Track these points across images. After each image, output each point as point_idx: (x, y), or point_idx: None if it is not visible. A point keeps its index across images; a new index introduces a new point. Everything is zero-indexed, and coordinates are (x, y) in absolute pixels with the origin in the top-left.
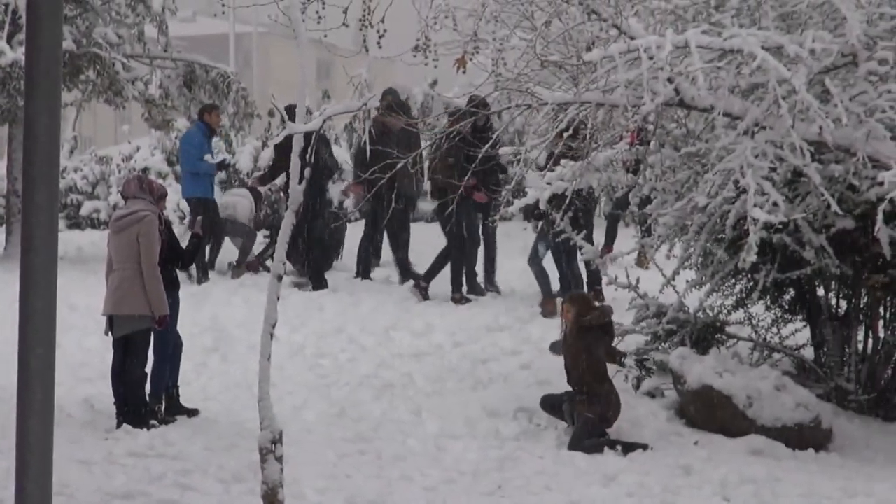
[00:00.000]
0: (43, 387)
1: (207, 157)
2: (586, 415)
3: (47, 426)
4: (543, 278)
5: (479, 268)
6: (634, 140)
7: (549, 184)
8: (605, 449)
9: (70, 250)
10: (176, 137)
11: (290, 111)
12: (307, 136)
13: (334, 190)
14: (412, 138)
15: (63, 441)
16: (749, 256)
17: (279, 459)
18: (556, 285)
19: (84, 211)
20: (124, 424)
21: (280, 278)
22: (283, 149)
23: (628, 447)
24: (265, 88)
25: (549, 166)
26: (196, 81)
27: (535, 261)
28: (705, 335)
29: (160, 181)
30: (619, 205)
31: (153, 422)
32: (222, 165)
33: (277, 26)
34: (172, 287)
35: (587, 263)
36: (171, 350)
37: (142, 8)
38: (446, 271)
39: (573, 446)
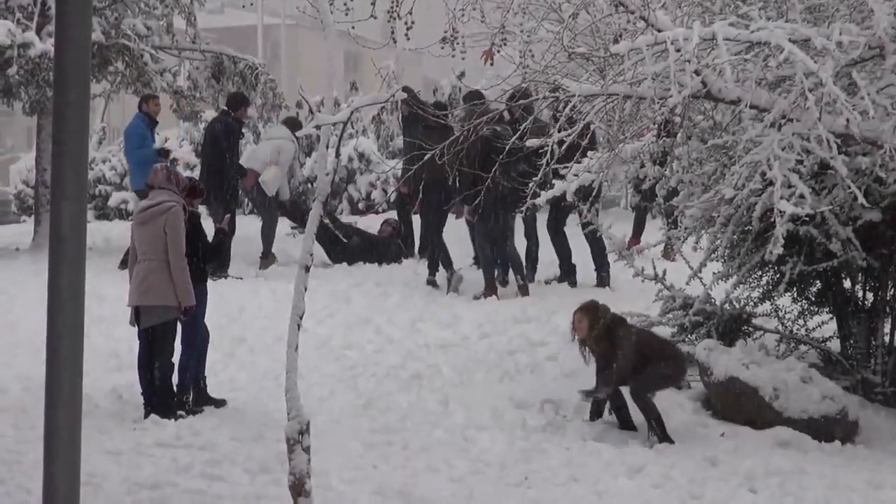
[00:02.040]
0: (71, 376)
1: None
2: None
3: (75, 416)
4: (489, 264)
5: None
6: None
7: (576, 175)
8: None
9: (98, 241)
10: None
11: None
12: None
13: (362, 181)
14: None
15: (91, 431)
16: (775, 248)
17: (306, 450)
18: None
19: (112, 202)
20: (152, 415)
21: (307, 269)
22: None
23: (663, 435)
24: (293, 80)
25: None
26: (224, 73)
27: (484, 247)
28: (732, 327)
29: (188, 172)
30: (645, 197)
31: (181, 412)
32: (163, 152)
33: (306, 18)
34: (200, 279)
35: (528, 251)
36: (197, 341)
37: None
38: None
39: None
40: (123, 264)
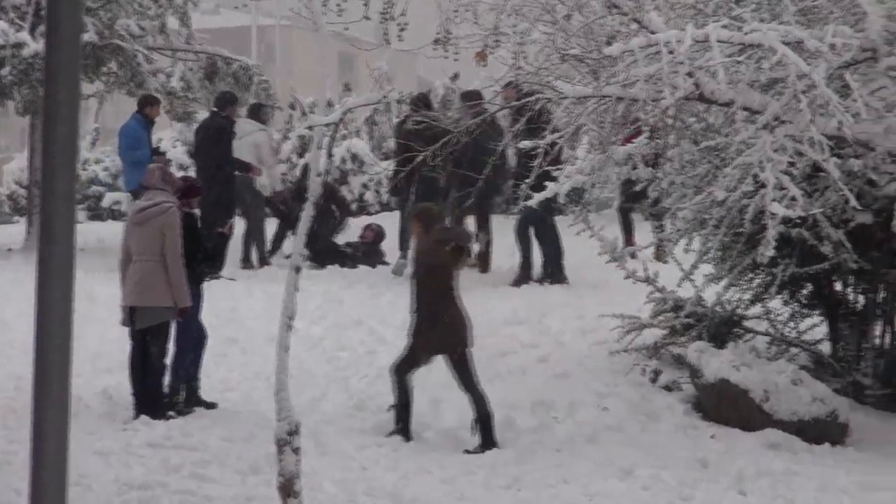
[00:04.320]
0: (59, 377)
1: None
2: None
3: (63, 416)
4: None
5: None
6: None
7: (568, 177)
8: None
9: (91, 241)
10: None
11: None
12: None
13: (354, 182)
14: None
15: (81, 432)
16: (767, 251)
17: (296, 451)
18: None
19: (105, 202)
20: (142, 415)
21: (298, 270)
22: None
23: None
24: (288, 81)
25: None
26: (218, 74)
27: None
28: (723, 329)
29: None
30: (629, 199)
31: (171, 413)
32: (157, 153)
33: (300, 19)
34: (196, 280)
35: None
36: (192, 342)
37: (164, 0)
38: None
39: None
40: None
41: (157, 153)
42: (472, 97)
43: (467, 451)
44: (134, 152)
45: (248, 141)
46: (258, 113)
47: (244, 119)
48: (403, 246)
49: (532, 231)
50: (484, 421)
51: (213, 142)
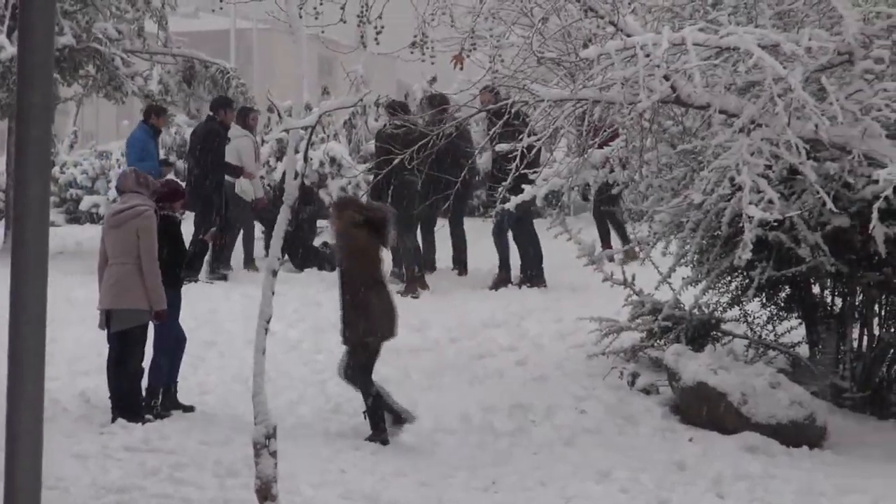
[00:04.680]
0: (34, 380)
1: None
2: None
3: (37, 418)
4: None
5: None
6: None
7: (545, 180)
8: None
9: (69, 245)
10: (175, 133)
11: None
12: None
13: (333, 185)
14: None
15: (58, 435)
16: (744, 254)
17: (273, 454)
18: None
19: (83, 206)
20: (119, 419)
21: (275, 273)
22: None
23: (397, 418)
24: (267, 84)
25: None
26: (195, 77)
27: (407, 241)
28: (700, 332)
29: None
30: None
31: (148, 416)
32: (166, 163)
33: (279, 22)
34: (174, 284)
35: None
36: (170, 345)
37: (141, 3)
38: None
39: (348, 377)
40: None
41: (165, 164)
42: (436, 102)
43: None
44: (142, 163)
45: (232, 146)
46: (245, 118)
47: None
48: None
49: (510, 234)
50: (372, 410)
51: (204, 145)
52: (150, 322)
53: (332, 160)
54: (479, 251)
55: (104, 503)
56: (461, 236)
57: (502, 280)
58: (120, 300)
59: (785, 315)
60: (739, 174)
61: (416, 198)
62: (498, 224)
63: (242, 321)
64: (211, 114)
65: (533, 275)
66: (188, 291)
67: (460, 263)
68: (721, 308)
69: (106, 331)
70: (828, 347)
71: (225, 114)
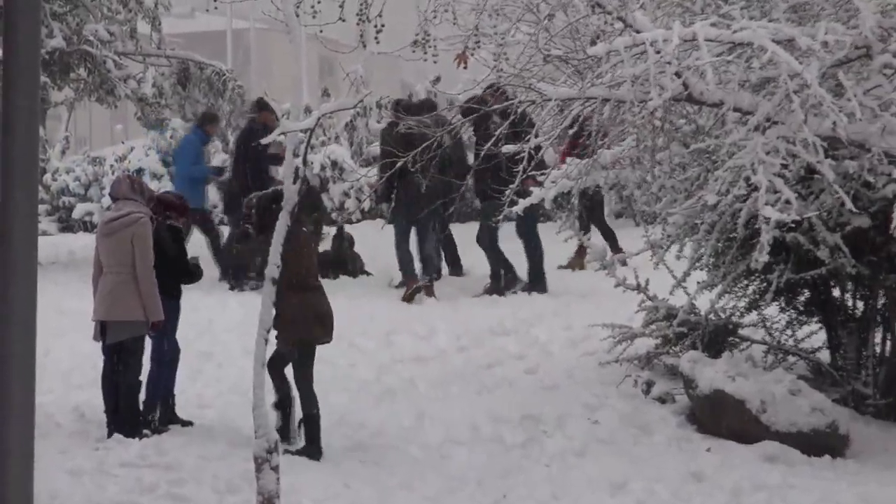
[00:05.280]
0: (23, 389)
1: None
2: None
3: (28, 430)
4: (407, 261)
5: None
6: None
7: (554, 182)
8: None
9: (62, 254)
10: (171, 137)
11: None
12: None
13: (335, 189)
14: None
15: (52, 451)
16: (761, 256)
17: (275, 469)
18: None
19: (76, 214)
20: (115, 434)
21: (275, 282)
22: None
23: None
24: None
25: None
26: (191, 79)
27: (401, 245)
28: (717, 338)
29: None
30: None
31: (146, 431)
32: (220, 171)
33: (277, 22)
34: (173, 294)
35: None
36: (168, 357)
37: (134, 4)
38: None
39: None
40: None
41: (216, 171)
42: (423, 108)
43: (288, 451)
44: (192, 168)
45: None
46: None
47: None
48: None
49: (497, 239)
50: (309, 421)
51: (244, 148)
52: (147, 334)
53: (334, 164)
54: (476, 256)
55: None
56: (450, 237)
57: (494, 289)
58: (115, 311)
59: (804, 319)
60: (755, 174)
61: (421, 200)
62: (491, 231)
63: (239, 330)
64: (252, 116)
65: (535, 280)
66: (184, 301)
67: (454, 264)
68: (738, 313)
69: (101, 343)
70: (849, 352)
71: (266, 115)
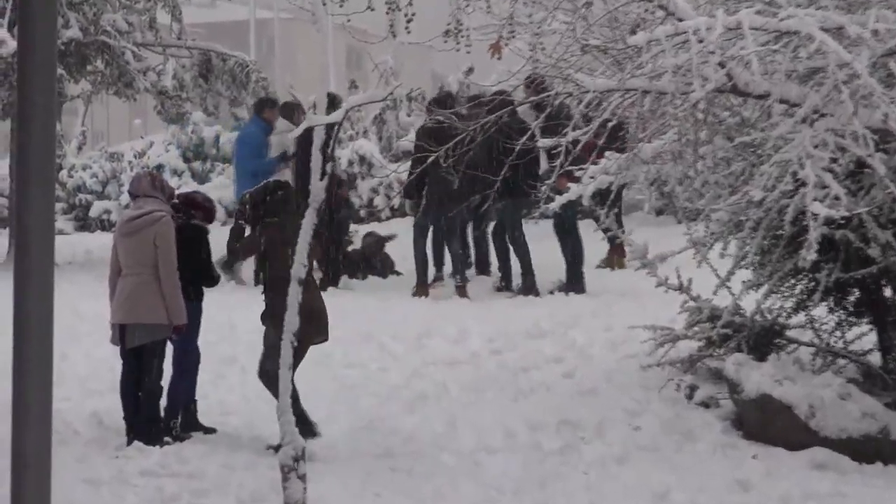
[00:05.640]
0: (40, 395)
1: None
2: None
3: (45, 438)
4: (422, 262)
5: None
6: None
7: (592, 178)
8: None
9: (78, 254)
10: (192, 131)
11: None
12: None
13: (363, 186)
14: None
15: (69, 459)
16: (809, 255)
17: (302, 478)
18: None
19: (93, 212)
20: (135, 442)
21: (301, 283)
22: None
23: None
24: (290, 78)
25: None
26: (213, 71)
27: (418, 243)
28: (763, 340)
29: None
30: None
31: (167, 439)
32: (285, 157)
33: (302, 11)
34: (196, 296)
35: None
36: (191, 362)
37: None
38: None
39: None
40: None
41: (286, 158)
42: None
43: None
44: (254, 161)
45: (274, 140)
46: (291, 114)
47: (280, 119)
48: (436, 254)
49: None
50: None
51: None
52: (168, 338)
53: (362, 159)
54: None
55: None
56: (484, 235)
57: (529, 289)
58: (135, 314)
59: (854, 320)
60: (803, 168)
61: (452, 198)
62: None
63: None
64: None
65: (572, 280)
66: (206, 303)
67: (483, 263)
68: (785, 314)
69: (119, 347)
70: None
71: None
